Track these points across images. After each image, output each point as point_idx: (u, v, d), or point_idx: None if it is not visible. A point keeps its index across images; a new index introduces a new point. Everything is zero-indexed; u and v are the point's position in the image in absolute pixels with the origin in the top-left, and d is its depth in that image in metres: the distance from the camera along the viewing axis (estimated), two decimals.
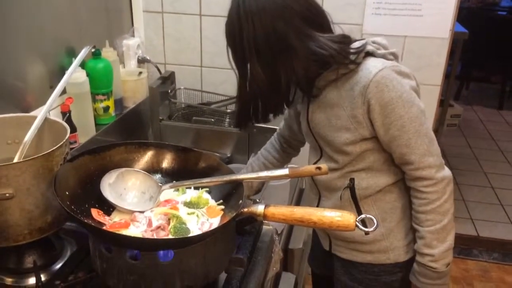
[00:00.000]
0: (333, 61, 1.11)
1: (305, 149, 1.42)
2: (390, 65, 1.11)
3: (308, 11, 1.10)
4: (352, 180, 1.22)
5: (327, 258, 1.42)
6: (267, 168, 1.49)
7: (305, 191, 1.46)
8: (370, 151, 1.18)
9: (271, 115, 1.22)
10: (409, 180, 1.18)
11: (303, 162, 1.38)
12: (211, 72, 2.14)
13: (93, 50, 1.66)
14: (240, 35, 1.09)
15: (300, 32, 1.08)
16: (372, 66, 1.11)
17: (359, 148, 1.18)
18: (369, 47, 1.14)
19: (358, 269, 1.31)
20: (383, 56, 1.14)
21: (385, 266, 1.28)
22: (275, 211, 1.04)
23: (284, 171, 1.11)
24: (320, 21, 1.13)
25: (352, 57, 1.11)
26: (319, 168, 1.09)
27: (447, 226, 1.16)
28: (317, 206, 1.35)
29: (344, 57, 1.10)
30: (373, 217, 1.02)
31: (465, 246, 2.95)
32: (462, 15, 4.22)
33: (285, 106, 1.22)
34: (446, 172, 1.16)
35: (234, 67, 1.16)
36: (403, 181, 1.22)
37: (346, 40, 1.14)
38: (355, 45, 1.14)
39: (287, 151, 1.51)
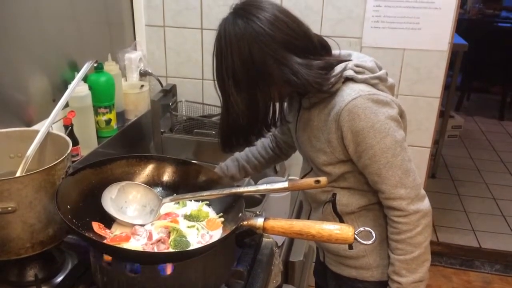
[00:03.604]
0: (304, 90, 1.11)
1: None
2: (366, 93, 1.09)
3: (288, 35, 1.08)
4: (334, 195, 1.23)
5: (323, 269, 1.43)
6: (249, 160, 1.50)
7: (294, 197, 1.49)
8: (351, 173, 1.19)
9: (253, 138, 1.24)
10: (384, 207, 1.18)
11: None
12: (212, 84, 2.12)
13: (95, 65, 1.68)
14: (221, 65, 1.11)
15: (277, 57, 1.07)
16: (346, 94, 1.10)
17: (338, 170, 1.19)
18: (349, 73, 1.12)
19: (346, 283, 1.32)
20: (364, 81, 1.12)
21: (370, 283, 1.28)
22: (274, 224, 1.05)
23: (283, 184, 1.12)
24: (303, 44, 1.11)
25: (325, 87, 1.10)
26: (317, 181, 1.09)
27: (419, 258, 1.14)
28: (308, 217, 1.37)
29: (314, 88, 1.09)
30: (371, 230, 1.02)
31: (467, 257, 2.94)
32: (462, 27, 4.25)
33: (265, 130, 1.22)
34: (423, 205, 1.13)
35: (219, 93, 1.17)
36: None
37: (326, 67, 1.12)
38: (337, 69, 1.13)
39: (275, 151, 1.51)
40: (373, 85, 1.14)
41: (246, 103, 1.12)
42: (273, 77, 1.09)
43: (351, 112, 1.08)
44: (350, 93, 1.10)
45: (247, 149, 1.52)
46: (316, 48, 1.14)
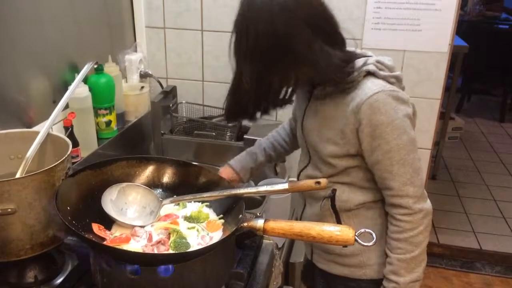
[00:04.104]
0: (323, 79, 1.11)
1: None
2: (388, 89, 1.10)
3: (316, 17, 1.06)
4: (334, 190, 1.23)
5: (310, 268, 1.43)
6: (275, 148, 1.49)
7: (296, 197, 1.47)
8: (355, 168, 1.19)
9: (258, 114, 1.20)
10: (387, 205, 1.18)
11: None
12: (212, 86, 2.16)
13: (95, 66, 1.68)
14: (242, 37, 1.07)
15: (303, 39, 1.05)
16: (369, 87, 1.10)
17: (344, 163, 1.18)
18: (371, 67, 1.13)
19: (336, 281, 1.32)
20: (384, 78, 1.13)
21: (361, 282, 1.28)
22: (274, 226, 1.05)
23: (284, 186, 1.12)
24: (329, 30, 1.10)
25: (349, 79, 1.11)
26: (318, 182, 1.09)
27: (418, 258, 1.15)
28: (302, 213, 1.36)
29: (334, 79, 1.09)
30: (372, 232, 1.02)
31: (468, 259, 2.94)
32: (463, 29, 4.24)
33: (273, 108, 1.19)
34: (426, 205, 1.15)
35: (232, 62, 1.13)
36: None
37: (347, 60, 1.12)
38: (358, 63, 1.13)
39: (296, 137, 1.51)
40: (391, 84, 1.14)
41: (259, 81, 1.09)
42: (294, 57, 1.06)
43: (372, 106, 1.08)
44: (372, 87, 1.10)
45: (271, 138, 1.51)
46: (338, 38, 1.14)
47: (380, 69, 1.14)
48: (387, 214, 1.21)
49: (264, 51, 1.06)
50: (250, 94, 1.11)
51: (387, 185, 1.14)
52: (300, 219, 1.37)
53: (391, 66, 1.17)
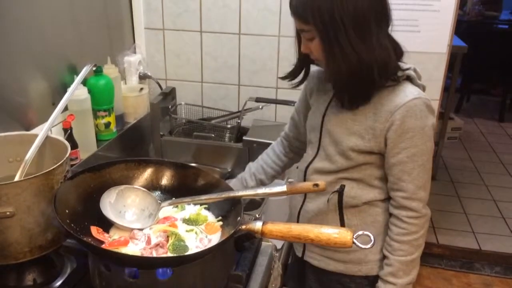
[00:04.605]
0: (385, 68, 1.12)
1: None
2: (424, 97, 1.15)
3: (383, 9, 1.14)
4: (342, 186, 1.24)
5: (300, 266, 1.43)
6: (265, 171, 1.50)
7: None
8: (370, 165, 1.21)
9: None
10: (394, 207, 1.21)
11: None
12: (211, 87, 2.16)
13: (94, 68, 1.68)
14: (332, 10, 1.07)
15: (377, 18, 1.12)
16: (410, 91, 1.14)
17: (362, 158, 1.20)
18: (411, 73, 1.17)
19: (329, 278, 1.33)
20: (417, 86, 1.18)
21: (355, 278, 1.29)
22: (272, 228, 1.05)
23: (282, 188, 1.12)
24: (389, 23, 1.16)
25: (393, 77, 1.14)
26: (316, 185, 1.09)
27: (415, 260, 1.20)
28: (301, 208, 1.36)
29: (386, 73, 1.12)
30: (370, 234, 1.02)
31: (467, 259, 2.94)
32: (462, 29, 4.24)
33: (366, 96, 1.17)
34: (428, 210, 1.21)
35: (325, 46, 1.11)
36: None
37: (401, 55, 1.18)
38: (402, 65, 1.17)
39: (288, 155, 1.52)
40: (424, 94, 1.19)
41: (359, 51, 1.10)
42: (371, 35, 1.11)
43: (410, 110, 1.12)
44: (413, 91, 1.15)
45: (261, 160, 1.53)
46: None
47: (417, 77, 1.19)
48: (388, 214, 1.23)
49: (358, 24, 1.09)
50: (356, 67, 1.10)
51: (401, 187, 1.17)
52: (298, 215, 1.37)
53: (420, 76, 1.21)
